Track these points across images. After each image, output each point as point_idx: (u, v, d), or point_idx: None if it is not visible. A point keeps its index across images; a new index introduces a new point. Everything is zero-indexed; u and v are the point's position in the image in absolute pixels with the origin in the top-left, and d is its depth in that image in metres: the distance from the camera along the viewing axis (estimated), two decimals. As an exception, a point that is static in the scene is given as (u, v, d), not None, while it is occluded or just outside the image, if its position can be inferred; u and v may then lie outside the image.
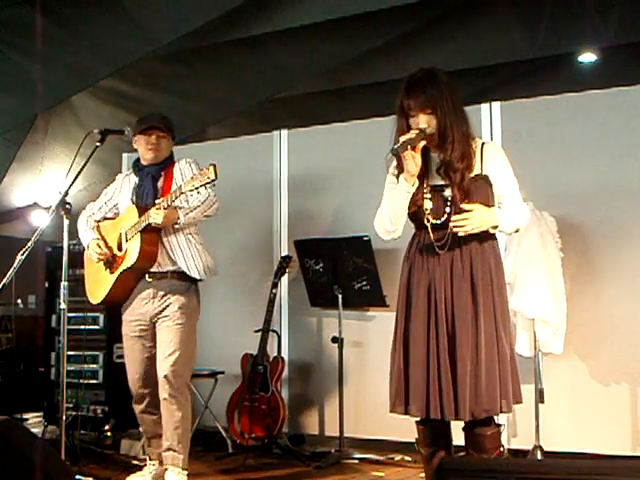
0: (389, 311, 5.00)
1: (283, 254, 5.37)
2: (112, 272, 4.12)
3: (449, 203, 3.07)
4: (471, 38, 7.52)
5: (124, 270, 4.04)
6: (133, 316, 4.13)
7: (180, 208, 3.96)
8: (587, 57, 8.31)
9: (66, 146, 8.76)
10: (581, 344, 4.59)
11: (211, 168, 3.67)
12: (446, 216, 3.06)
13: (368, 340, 5.22)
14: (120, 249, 4.09)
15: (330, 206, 5.48)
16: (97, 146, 3.91)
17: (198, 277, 4.09)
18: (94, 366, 5.31)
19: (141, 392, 4.13)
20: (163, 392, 3.97)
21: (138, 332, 4.12)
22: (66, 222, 3.74)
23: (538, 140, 4.88)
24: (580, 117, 4.81)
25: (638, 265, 4.56)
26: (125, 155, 6.33)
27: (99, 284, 4.20)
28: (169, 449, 3.97)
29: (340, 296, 4.99)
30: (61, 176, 8.18)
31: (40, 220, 9.90)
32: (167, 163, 4.23)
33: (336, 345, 4.98)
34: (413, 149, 3.02)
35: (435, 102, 3.05)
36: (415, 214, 3.15)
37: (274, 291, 5.11)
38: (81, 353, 5.24)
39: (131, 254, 4.00)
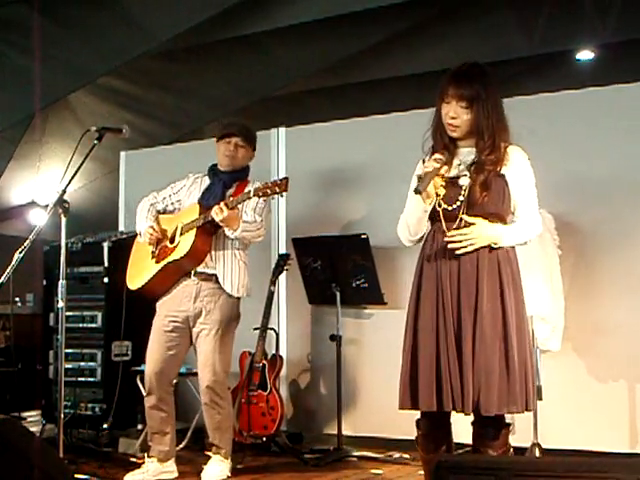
0: (387, 309, 5.01)
1: (281, 252, 5.37)
2: (158, 262, 4.15)
3: (463, 192, 3.03)
4: (468, 36, 7.53)
5: (170, 262, 4.07)
6: (170, 312, 4.17)
7: (244, 221, 4.01)
8: (585, 54, 8.32)
9: (64, 144, 8.76)
10: (579, 341, 4.59)
11: (284, 181, 3.78)
12: (459, 203, 3.02)
13: (366, 338, 5.22)
14: (172, 241, 4.12)
15: (328, 204, 5.47)
16: (95, 144, 3.90)
17: (230, 292, 4.15)
18: (92, 364, 5.30)
19: (155, 388, 4.19)
20: (205, 398, 4.18)
21: (171, 328, 4.17)
22: (64, 220, 3.74)
23: (535, 138, 4.84)
24: (578, 115, 4.81)
25: (636, 263, 4.57)
26: (123, 153, 6.32)
27: (141, 271, 4.23)
28: (212, 444, 4.26)
29: (338, 294, 4.99)
30: (59, 174, 8.16)
31: (38, 218, 9.90)
32: (242, 175, 4.27)
33: (334, 343, 4.98)
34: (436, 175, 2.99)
35: (475, 98, 3.00)
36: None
37: (272, 289, 5.10)
38: (79, 351, 5.25)
39: (182, 247, 4.04)
